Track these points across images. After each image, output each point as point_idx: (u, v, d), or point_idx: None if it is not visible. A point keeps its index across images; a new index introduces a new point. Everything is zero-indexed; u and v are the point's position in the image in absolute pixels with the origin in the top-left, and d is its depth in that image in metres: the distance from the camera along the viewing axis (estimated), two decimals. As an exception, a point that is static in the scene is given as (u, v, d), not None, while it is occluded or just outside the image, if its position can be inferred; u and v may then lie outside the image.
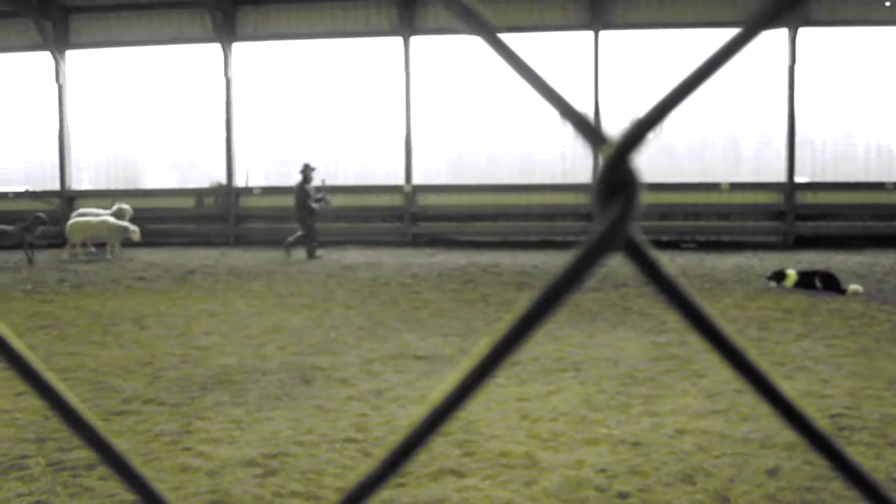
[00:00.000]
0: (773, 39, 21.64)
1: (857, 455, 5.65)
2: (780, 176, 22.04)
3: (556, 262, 18.09)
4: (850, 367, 8.19)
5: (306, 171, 19.47)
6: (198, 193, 24.01)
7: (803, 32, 21.60)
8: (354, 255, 19.66)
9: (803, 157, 22.21)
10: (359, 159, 23.74)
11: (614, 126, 21.56)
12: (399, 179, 23.09)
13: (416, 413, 6.48)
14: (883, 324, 10.52)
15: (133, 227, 19.83)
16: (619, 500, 4.90)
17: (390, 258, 18.93)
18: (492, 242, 22.47)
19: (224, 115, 23.74)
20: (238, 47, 23.66)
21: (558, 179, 22.62)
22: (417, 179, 23.14)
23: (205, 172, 24.23)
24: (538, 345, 9.31)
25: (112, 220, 19.94)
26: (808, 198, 22.07)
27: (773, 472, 5.33)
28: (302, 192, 19.32)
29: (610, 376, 7.83)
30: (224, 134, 23.81)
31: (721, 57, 0.55)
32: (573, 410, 6.66)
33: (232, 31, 23.46)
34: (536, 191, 22.49)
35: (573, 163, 22.65)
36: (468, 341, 9.51)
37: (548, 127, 22.84)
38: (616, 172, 0.56)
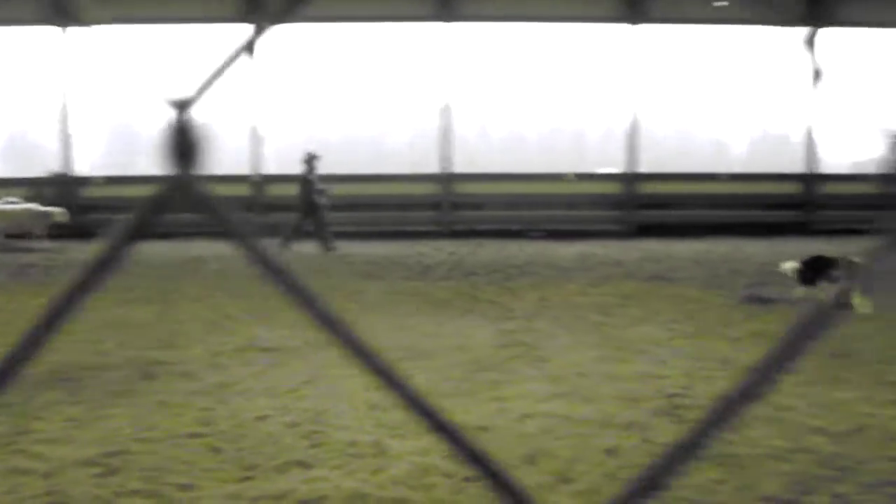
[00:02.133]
0: (618, 36, 22.41)
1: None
2: (622, 167, 22.86)
3: (408, 251, 18.21)
4: (686, 349, 8.60)
5: (310, 159, 18.66)
6: (34, 183, 22.89)
7: (644, 29, 22.44)
8: (202, 246, 19.18)
9: (644, 149, 23.11)
10: (215, 146, 23.10)
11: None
12: (249, 168, 22.67)
13: (264, 405, 6.41)
14: (718, 308, 11.09)
15: (57, 209, 18.86)
16: (465, 483, 4.99)
17: (238, 249, 18.55)
18: (342, 233, 22.37)
19: (61, 103, 22.71)
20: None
21: (408, 169, 22.74)
22: (270, 170, 22.78)
23: (42, 161, 23.13)
24: (385, 334, 9.36)
25: (36, 206, 18.94)
26: (648, 188, 22.98)
27: (611, 452, 5.54)
28: (306, 182, 18.48)
29: (458, 364, 7.95)
30: (60, 120, 22.78)
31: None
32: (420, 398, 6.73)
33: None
34: (386, 181, 22.55)
35: (423, 153, 22.81)
36: (317, 332, 9.43)
37: (398, 116, 22.95)
38: None
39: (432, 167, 22.58)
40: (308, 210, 18.45)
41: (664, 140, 23.41)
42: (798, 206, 23.45)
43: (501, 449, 5.60)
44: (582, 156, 23.46)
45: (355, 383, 7.29)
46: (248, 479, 5.12)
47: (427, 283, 13.42)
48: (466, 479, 5.04)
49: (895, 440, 5.82)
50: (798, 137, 23.61)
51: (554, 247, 19.17)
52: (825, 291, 9.94)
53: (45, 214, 18.85)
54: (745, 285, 12.84)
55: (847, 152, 24.86)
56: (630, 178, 22.57)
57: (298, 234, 18.53)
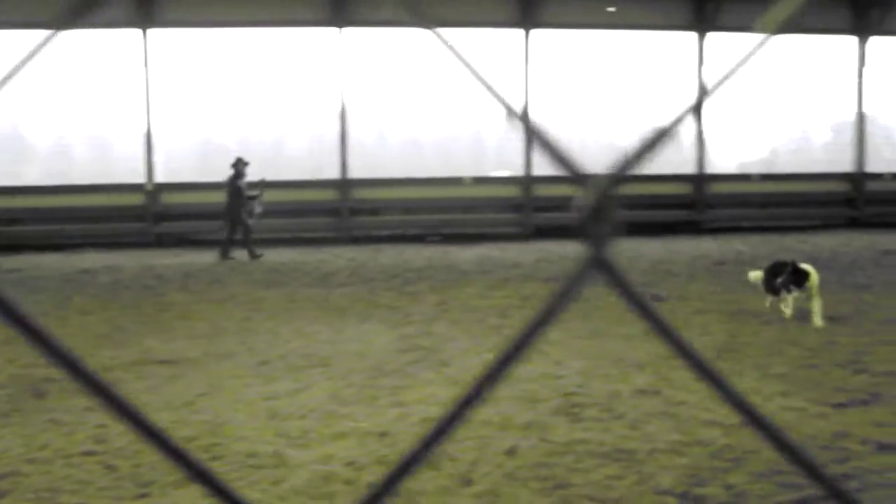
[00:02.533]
0: (512, 41, 22.70)
1: (587, 430, 6.09)
2: (519, 170, 23.14)
3: (308, 258, 18.06)
4: (582, 349, 8.77)
5: (238, 165, 18.12)
6: None
7: (538, 34, 22.79)
8: (93, 259, 18.64)
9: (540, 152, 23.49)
10: (98, 155, 22.49)
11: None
12: (140, 177, 22.11)
13: (161, 420, 6.27)
14: (612, 307, 11.32)
15: None
16: (366, 491, 4.99)
17: (132, 260, 18.10)
18: (240, 240, 22.03)
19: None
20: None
21: (307, 175, 22.55)
22: (160, 177, 22.26)
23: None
24: (286, 342, 9.27)
25: None
26: (544, 190, 23.32)
27: (511, 452, 5.63)
28: (234, 188, 17.91)
29: (358, 370, 7.93)
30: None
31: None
32: (321, 406, 6.70)
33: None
34: (285, 187, 22.31)
35: (321, 158, 22.66)
36: (215, 342, 9.30)
37: (296, 121, 22.75)
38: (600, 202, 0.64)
39: (331, 173, 22.46)
40: (234, 216, 18.06)
41: (559, 142, 23.80)
42: (689, 206, 24.16)
43: (403, 453, 5.61)
44: (479, 160, 23.68)
45: (254, 393, 7.21)
46: (144, 496, 5.02)
47: (327, 289, 13.35)
48: (368, 487, 5.03)
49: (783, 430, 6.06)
50: (688, 139, 24.34)
51: (452, 251, 19.28)
52: (790, 297, 10.05)
53: None
54: (638, 284, 13.14)
55: (734, 154, 25.71)
56: (526, 181, 22.87)
57: (233, 242, 18.15)
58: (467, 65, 0.73)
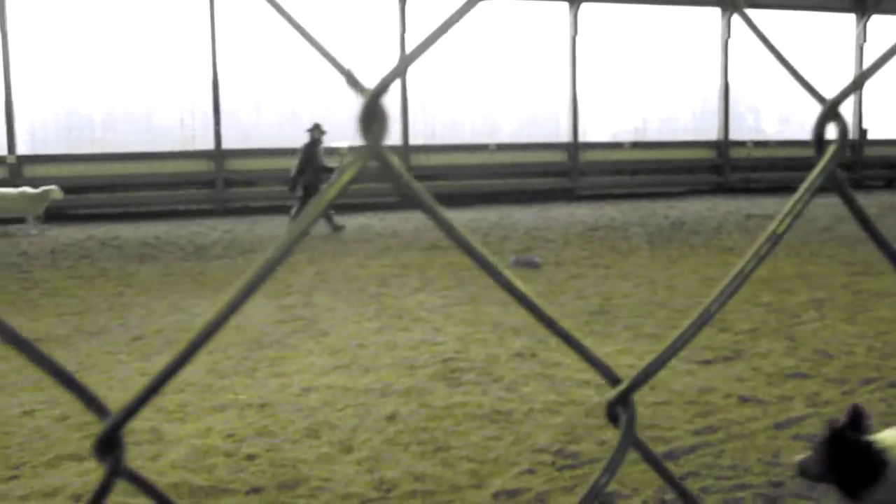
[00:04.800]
0: (386, 9, 22.56)
1: (466, 394, 6.20)
2: (396, 139, 23.12)
3: (182, 231, 17.66)
4: (461, 315, 8.89)
5: (315, 131, 17.04)
6: None
7: (412, 3, 22.70)
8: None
9: (415, 123, 23.50)
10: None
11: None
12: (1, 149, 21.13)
13: (30, 400, 6.06)
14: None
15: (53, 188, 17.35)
16: (247, 461, 4.97)
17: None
18: (111, 214, 21.38)
19: None
20: None
21: (179, 146, 21.98)
22: (22, 149, 21.32)
23: None
24: (162, 317, 9.08)
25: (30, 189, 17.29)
26: (421, 160, 23.41)
27: (391, 418, 5.68)
28: (310, 155, 16.80)
29: (237, 343, 7.84)
30: None
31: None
32: (200, 380, 6.61)
33: None
34: (158, 158, 21.71)
35: (193, 129, 22.12)
36: (86, 319, 9.03)
37: (167, 91, 22.10)
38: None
39: (204, 144, 21.96)
40: (311, 187, 16.77)
41: (435, 114, 23.91)
42: (563, 174, 24.68)
43: (284, 424, 5.61)
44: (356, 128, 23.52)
45: (129, 369, 7.05)
46: (15, 477, 4.86)
47: (202, 262, 13.10)
48: (249, 457, 5.02)
49: (653, 387, 6.30)
50: (562, 110, 24.80)
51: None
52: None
53: (42, 195, 17.27)
54: (514, 251, 13.39)
55: (606, 123, 26.34)
56: (402, 151, 22.90)
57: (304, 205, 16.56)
58: (301, 30, 0.75)
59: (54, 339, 8.21)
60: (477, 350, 7.43)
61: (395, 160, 0.67)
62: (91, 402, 0.67)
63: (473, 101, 24.48)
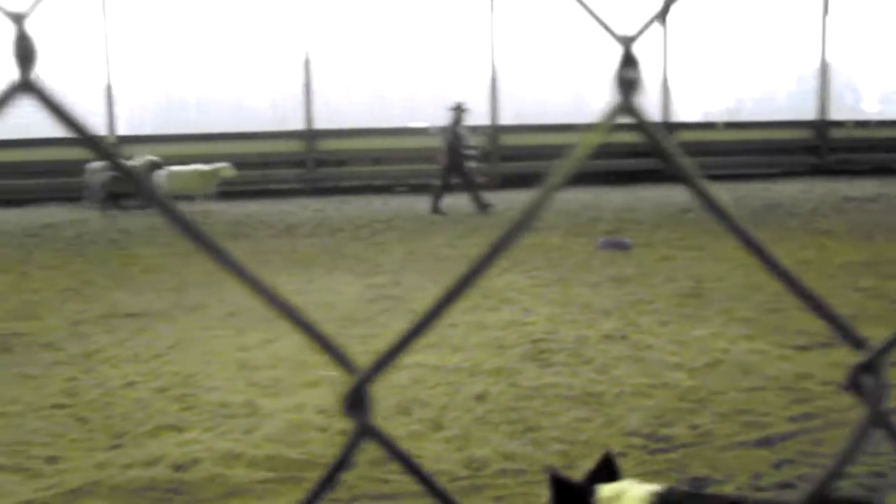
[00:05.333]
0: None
1: (556, 375, 6.17)
2: (484, 119, 23.05)
3: (272, 210, 17.98)
4: (550, 296, 8.86)
5: (458, 110, 16.74)
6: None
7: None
8: (56, 212, 18.42)
9: (504, 101, 23.40)
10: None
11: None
12: (102, 130, 21.82)
13: (131, 372, 6.27)
14: (577, 255, 11.43)
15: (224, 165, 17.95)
16: (340, 436, 5.04)
17: (96, 214, 17.91)
18: (203, 193, 21.85)
19: None
20: None
21: (270, 127, 22.34)
22: (124, 130, 21.96)
23: None
24: (254, 294, 9.25)
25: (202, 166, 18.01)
26: (511, 140, 23.30)
27: (481, 397, 5.70)
28: (453, 135, 16.53)
29: (327, 320, 7.94)
30: None
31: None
32: (292, 356, 6.73)
33: None
34: (249, 139, 22.10)
35: (285, 110, 22.45)
36: (183, 295, 9.27)
37: (258, 73, 22.47)
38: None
39: (295, 125, 22.27)
40: (454, 166, 16.55)
41: (524, 92, 23.76)
42: (653, 155, 24.30)
43: (374, 400, 5.67)
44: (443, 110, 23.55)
45: (224, 344, 7.22)
46: (117, 446, 5.04)
47: (293, 240, 13.32)
48: (341, 433, 5.09)
49: (747, 372, 6.19)
50: (654, 88, 24.38)
51: (420, 201, 19.25)
52: None
53: (214, 173, 18.05)
54: (604, 232, 13.25)
55: (698, 102, 25.79)
56: (492, 131, 22.82)
57: (447, 189, 16.80)
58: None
59: (154, 313, 8.45)
60: (567, 331, 7.39)
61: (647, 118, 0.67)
62: (340, 358, 0.70)
63: (562, 79, 24.23)
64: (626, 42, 0.70)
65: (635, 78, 0.62)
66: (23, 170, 21.00)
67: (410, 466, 0.73)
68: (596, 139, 0.63)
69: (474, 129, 17.37)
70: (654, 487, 2.46)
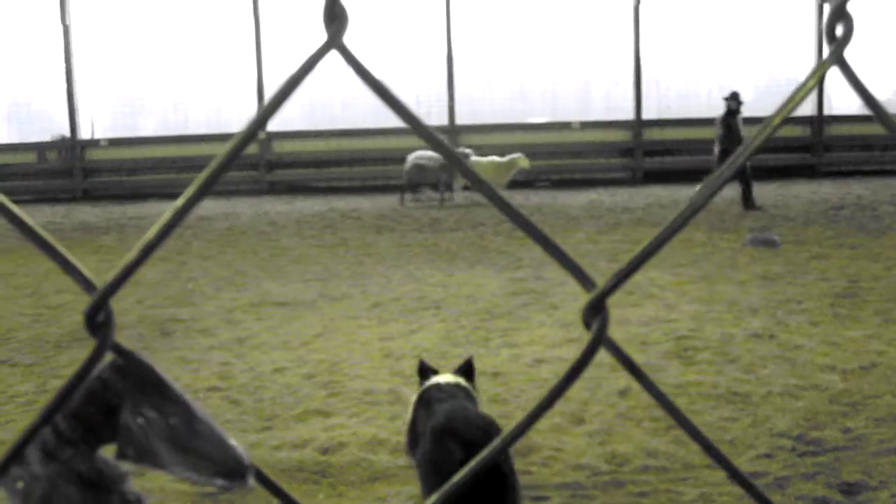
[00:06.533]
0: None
1: (700, 373, 6.05)
2: (628, 114, 22.71)
3: (413, 204, 18.24)
4: (694, 293, 8.66)
5: (732, 101, 15.82)
6: (40, 147, 22.84)
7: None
8: (209, 205, 19.22)
9: (649, 96, 22.96)
10: (209, 105, 23.11)
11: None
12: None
13: (280, 358, 6.50)
14: (723, 251, 11.14)
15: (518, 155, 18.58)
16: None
17: (246, 207, 18.63)
18: (350, 188, 22.39)
19: (64, 65, 22.57)
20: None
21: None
22: (271, 126, 22.72)
23: (46, 125, 23.08)
24: (398, 285, 9.44)
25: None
26: (654, 134, 22.88)
27: (623, 393, 5.64)
28: (731, 124, 15.68)
29: (469, 312, 8.03)
30: (65, 84, 22.66)
31: None
32: (434, 347, 6.83)
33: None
34: (392, 135, 22.49)
35: (429, 105, 22.73)
36: (329, 286, 9.54)
37: (402, 69, 22.84)
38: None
39: (436, 121, 22.50)
40: (724, 155, 15.53)
41: (668, 86, 23.26)
42: (805, 149, 23.33)
43: (516, 393, 5.71)
44: (587, 104, 23.33)
45: (369, 334, 7.39)
46: (268, 429, 5.24)
47: (436, 234, 13.48)
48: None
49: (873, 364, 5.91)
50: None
51: (561, 196, 19.17)
52: None
53: (510, 164, 18.57)
54: (751, 229, 12.85)
55: (853, 95, 24.59)
56: (636, 125, 22.45)
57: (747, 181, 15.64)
58: None
59: (302, 303, 8.74)
60: (712, 329, 7.22)
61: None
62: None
63: (707, 71, 23.56)
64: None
65: (848, 30, 0.62)
66: (178, 165, 21.99)
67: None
68: (810, 86, 0.63)
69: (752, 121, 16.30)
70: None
